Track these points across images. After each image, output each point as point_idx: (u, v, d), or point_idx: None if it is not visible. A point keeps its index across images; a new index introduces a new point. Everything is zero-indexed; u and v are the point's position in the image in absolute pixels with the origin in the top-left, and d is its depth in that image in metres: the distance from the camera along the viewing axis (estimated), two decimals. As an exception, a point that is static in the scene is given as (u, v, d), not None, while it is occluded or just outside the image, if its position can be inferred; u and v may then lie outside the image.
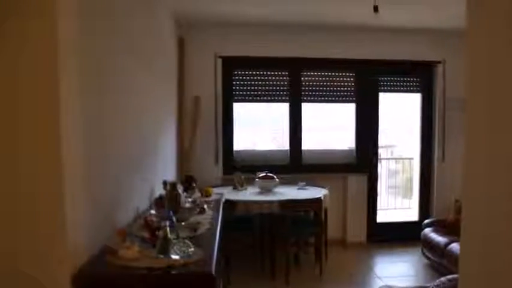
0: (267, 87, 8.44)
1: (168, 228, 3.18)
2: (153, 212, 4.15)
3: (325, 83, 8.56)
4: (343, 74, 8.60)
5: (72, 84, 2.81)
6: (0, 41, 2.59)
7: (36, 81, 2.61)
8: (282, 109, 8.58)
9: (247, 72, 8.41)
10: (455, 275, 3.77)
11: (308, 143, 8.60)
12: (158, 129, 6.06)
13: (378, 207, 8.93)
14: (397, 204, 10.52)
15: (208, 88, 8.09)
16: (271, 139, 9.08)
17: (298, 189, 7.53)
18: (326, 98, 8.59)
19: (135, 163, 4.58)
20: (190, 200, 5.11)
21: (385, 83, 8.75)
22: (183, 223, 4.07)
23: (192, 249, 3.17)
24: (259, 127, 8.87)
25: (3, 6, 2.57)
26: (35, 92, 2.62)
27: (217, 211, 5.04)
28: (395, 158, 10.98)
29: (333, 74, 8.58)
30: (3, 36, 2.59)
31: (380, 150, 9.02)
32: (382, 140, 8.99)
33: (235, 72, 8.37)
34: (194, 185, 5.80)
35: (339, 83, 8.61)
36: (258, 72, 8.42)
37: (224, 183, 7.91)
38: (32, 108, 2.63)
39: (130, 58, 4.41)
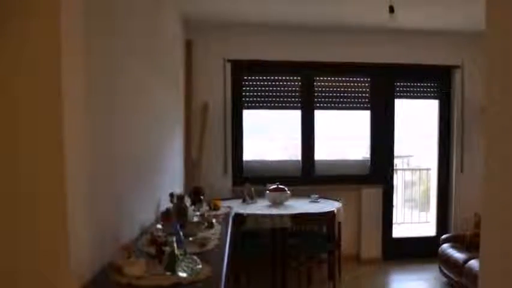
0: (278, 93, 8.42)
1: (175, 244, 3.17)
2: (159, 226, 4.14)
3: (339, 89, 8.55)
4: (358, 79, 8.59)
5: (76, 90, 2.79)
6: (1, 41, 2.57)
7: (37, 83, 2.57)
8: (294, 116, 8.54)
9: (257, 77, 8.40)
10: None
11: (321, 153, 8.56)
12: (165, 137, 6.04)
13: (394, 221, 8.88)
14: (413, 218, 10.45)
15: (216, 94, 8.09)
16: (282, 148, 9.05)
17: (311, 202, 7.50)
18: (340, 105, 8.56)
19: (141, 174, 4.56)
20: (198, 213, 5.09)
21: (402, 89, 8.73)
22: (190, 238, 4.05)
23: (200, 266, 3.14)
24: (269, 136, 8.83)
25: (4, 5, 2.56)
26: (36, 96, 2.58)
27: (226, 225, 5.02)
28: (412, 169, 10.91)
29: (347, 79, 8.57)
30: (4, 36, 2.57)
31: (396, 161, 8.98)
32: (398, 150, 8.93)
33: (245, 77, 8.36)
34: (202, 197, 5.78)
35: (353, 89, 8.59)
36: (269, 77, 8.41)
37: (233, 196, 7.89)
38: (32, 117, 2.59)
39: (137, 61, 4.40)
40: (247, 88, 8.36)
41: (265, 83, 8.41)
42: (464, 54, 8.39)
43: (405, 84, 8.73)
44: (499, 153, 2.28)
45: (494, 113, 2.32)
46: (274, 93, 8.41)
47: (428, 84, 8.79)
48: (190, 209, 4.76)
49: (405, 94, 8.74)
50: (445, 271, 7.26)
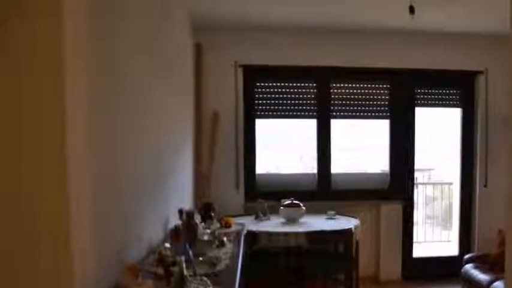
0: (292, 101, 8.40)
1: (183, 264, 3.15)
2: (167, 245, 4.12)
3: (357, 96, 8.52)
4: (376, 85, 8.56)
5: (80, 107, 2.78)
6: (3, 41, 2.56)
7: (39, 86, 2.56)
8: (309, 126, 8.50)
9: (270, 84, 8.39)
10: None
11: (338, 165, 8.52)
12: (175, 150, 6.03)
13: (414, 240, 8.82)
14: (434, 237, 10.38)
15: (228, 101, 8.08)
16: (297, 160, 8.99)
17: (327, 219, 7.46)
18: (358, 113, 8.53)
19: (148, 190, 4.54)
20: (208, 231, 5.06)
21: (422, 96, 8.68)
22: (200, 258, 4.04)
23: (211, 287, 3.14)
24: (283, 146, 8.77)
25: (6, 4, 2.55)
26: (38, 99, 2.56)
27: (238, 244, 5.00)
28: (433, 183, 10.86)
29: (366, 85, 8.54)
30: (5, 36, 2.56)
31: (416, 174, 8.92)
32: (418, 162, 8.87)
33: (258, 84, 8.34)
34: (213, 214, 5.76)
35: (372, 96, 8.56)
36: (282, 84, 8.40)
37: (245, 212, 7.86)
38: (34, 131, 2.56)
39: (144, 64, 4.38)
40: (260, 95, 8.34)
41: (279, 89, 8.40)
42: (489, 58, 8.33)
43: (426, 91, 8.70)
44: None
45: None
46: (288, 101, 8.39)
47: (450, 91, 8.75)
48: (200, 226, 4.75)
49: (426, 102, 8.70)
50: (468, 293, 7.20)
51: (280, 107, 8.37)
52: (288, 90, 8.41)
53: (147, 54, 4.63)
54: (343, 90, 8.51)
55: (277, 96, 8.37)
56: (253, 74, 8.23)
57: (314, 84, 8.44)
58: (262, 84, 8.34)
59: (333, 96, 8.46)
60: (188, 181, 7.11)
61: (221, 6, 7.02)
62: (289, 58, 8.09)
